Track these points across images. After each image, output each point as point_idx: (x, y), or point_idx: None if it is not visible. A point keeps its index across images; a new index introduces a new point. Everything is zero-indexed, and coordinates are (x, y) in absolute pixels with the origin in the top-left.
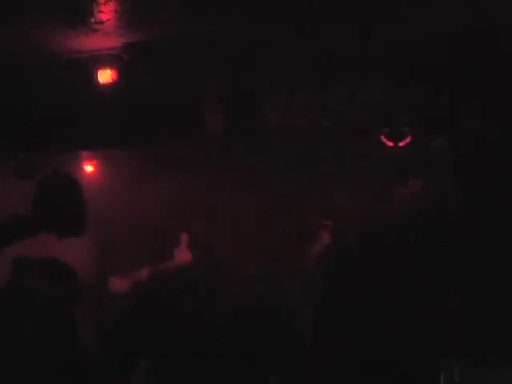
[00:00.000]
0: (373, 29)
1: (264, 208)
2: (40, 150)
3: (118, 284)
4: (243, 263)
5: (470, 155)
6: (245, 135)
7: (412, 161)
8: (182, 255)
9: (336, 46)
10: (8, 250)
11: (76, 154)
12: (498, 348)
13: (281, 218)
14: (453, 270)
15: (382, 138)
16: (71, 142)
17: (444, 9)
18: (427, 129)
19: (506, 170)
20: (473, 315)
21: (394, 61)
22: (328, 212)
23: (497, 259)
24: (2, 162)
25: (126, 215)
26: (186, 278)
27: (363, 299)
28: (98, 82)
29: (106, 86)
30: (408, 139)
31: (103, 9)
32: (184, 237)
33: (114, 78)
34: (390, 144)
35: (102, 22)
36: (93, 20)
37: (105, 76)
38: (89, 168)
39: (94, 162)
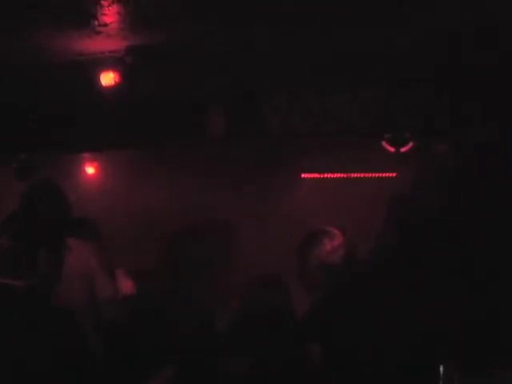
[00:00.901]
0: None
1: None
2: (41, 152)
3: (125, 284)
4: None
5: (470, 155)
6: (245, 137)
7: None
8: None
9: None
10: None
11: (77, 156)
12: (498, 353)
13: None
14: (454, 272)
15: (384, 143)
16: (73, 144)
17: (444, 9)
18: (428, 132)
19: (506, 170)
20: (473, 320)
21: (394, 61)
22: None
23: (497, 259)
24: (3, 163)
25: (125, 217)
26: None
27: (364, 303)
28: (101, 84)
29: (108, 88)
30: (410, 145)
31: (106, 11)
32: None
33: (117, 80)
34: (392, 149)
35: (105, 25)
36: (96, 22)
37: (107, 78)
38: (90, 170)
39: (96, 163)
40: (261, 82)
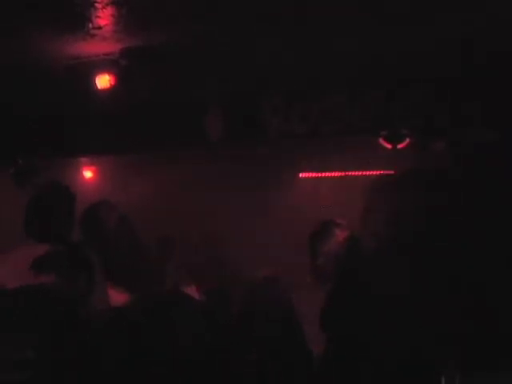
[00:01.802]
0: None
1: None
2: (38, 157)
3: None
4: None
5: (469, 155)
6: (244, 137)
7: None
8: None
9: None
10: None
11: (74, 160)
12: (498, 354)
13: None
14: (455, 272)
15: (381, 140)
16: (69, 148)
17: (444, 9)
18: (428, 132)
19: (506, 170)
20: (474, 322)
21: (394, 61)
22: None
23: (497, 259)
24: (1, 168)
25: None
26: None
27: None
28: (96, 87)
29: (104, 91)
30: (407, 141)
31: (101, 14)
32: None
33: (112, 83)
34: (389, 146)
35: (99, 28)
36: (90, 25)
37: (103, 81)
38: (87, 174)
39: (93, 167)
40: (260, 83)
